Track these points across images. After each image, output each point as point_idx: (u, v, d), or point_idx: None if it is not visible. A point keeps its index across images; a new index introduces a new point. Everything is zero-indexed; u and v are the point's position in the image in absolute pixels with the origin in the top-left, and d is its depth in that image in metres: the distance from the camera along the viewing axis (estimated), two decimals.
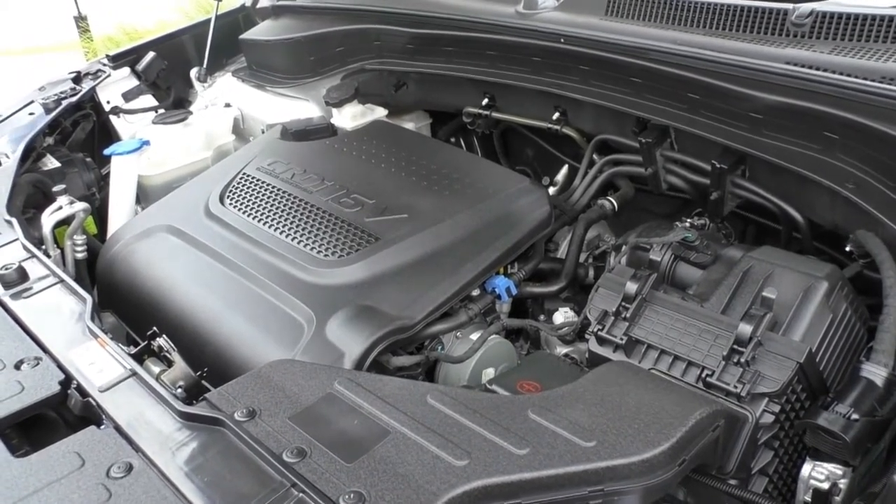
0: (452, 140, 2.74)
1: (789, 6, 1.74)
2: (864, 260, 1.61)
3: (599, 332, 1.50)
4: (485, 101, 2.37)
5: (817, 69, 1.59)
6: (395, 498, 1.06)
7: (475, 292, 1.79)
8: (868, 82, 1.51)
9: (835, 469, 1.29)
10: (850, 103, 1.52)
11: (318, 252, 1.78)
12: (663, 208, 2.25)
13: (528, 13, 2.12)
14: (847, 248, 1.63)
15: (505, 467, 1.11)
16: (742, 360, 1.34)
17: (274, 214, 1.94)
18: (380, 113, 2.57)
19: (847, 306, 1.46)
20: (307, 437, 1.18)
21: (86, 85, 2.63)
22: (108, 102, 2.71)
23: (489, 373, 1.73)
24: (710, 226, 1.88)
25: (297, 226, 1.88)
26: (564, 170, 2.40)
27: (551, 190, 2.32)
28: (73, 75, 2.69)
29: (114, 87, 2.75)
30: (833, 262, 1.60)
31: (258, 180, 2.10)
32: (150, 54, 2.80)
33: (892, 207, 1.48)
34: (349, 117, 2.52)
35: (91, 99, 2.65)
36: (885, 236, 1.51)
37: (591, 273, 2.01)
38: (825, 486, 1.29)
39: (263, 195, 2.03)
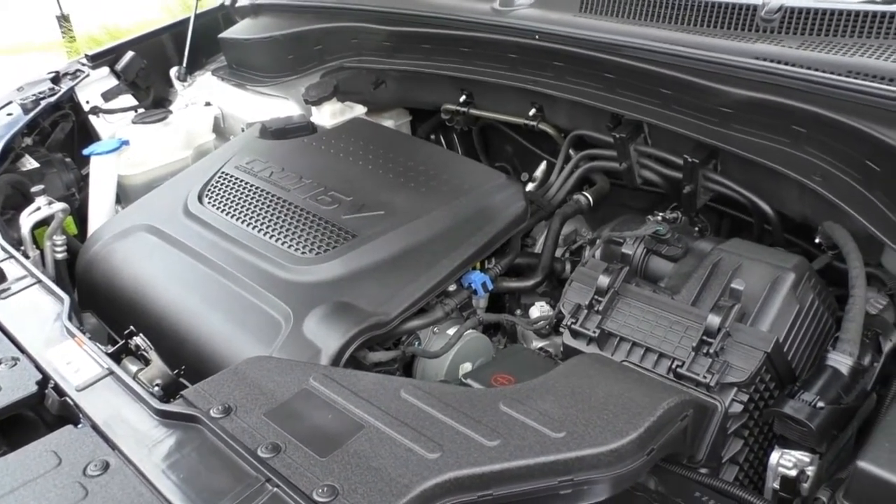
0: (432, 137, 2.76)
1: (759, 2, 1.76)
2: (832, 251, 1.64)
3: (573, 326, 1.51)
4: (462, 98, 2.39)
5: (786, 64, 1.62)
6: (367, 491, 1.07)
7: (452, 287, 1.80)
8: (834, 76, 1.54)
9: (802, 456, 1.32)
10: (816, 97, 1.55)
11: (296, 249, 1.79)
12: (640, 203, 2.27)
13: (504, 10, 2.13)
14: (816, 240, 1.66)
15: (476, 459, 1.13)
16: (711, 350, 1.36)
17: (252, 213, 1.95)
18: (359, 111, 2.58)
19: (814, 297, 1.49)
20: (282, 433, 1.19)
21: (65, 85, 2.63)
22: (88, 102, 2.70)
23: (466, 367, 1.75)
24: (682, 219, 1.90)
25: (275, 224, 1.89)
26: (543, 166, 2.42)
27: (530, 186, 2.34)
28: (51, 75, 2.68)
29: (93, 87, 2.74)
30: (805, 253, 1.63)
31: (237, 179, 2.11)
32: (130, 54, 2.80)
33: (858, 199, 1.51)
34: (328, 115, 2.53)
35: (70, 99, 2.65)
36: (852, 227, 1.54)
37: (568, 267, 2.03)
38: (793, 473, 1.32)
39: (242, 194, 2.04)
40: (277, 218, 1.91)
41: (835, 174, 1.56)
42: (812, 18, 1.69)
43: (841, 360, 1.36)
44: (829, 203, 1.56)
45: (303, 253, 1.78)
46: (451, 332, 1.74)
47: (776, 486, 1.35)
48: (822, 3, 1.70)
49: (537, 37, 2.01)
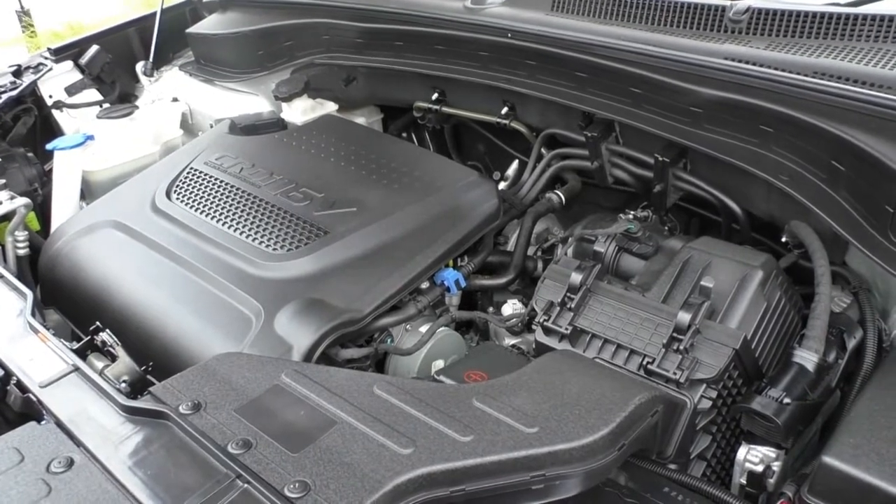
0: (404, 135, 2.75)
1: (727, 3, 1.78)
2: (798, 250, 1.67)
3: (545, 323, 1.52)
4: (434, 96, 2.39)
5: (753, 64, 1.64)
6: (339, 486, 1.07)
7: (424, 285, 1.80)
8: (801, 77, 1.56)
9: (768, 452, 1.34)
10: (783, 97, 1.57)
11: (267, 246, 1.78)
12: (611, 201, 2.29)
13: (476, 8, 2.13)
14: (783, 239, 1.69)
15: (449, 454, 1.13)
16: (681, 347, 1.37)
17: (222, 209, 1.93)
18: (330, 108, 2.56)
19: (781, 294, 1.51)
20: (253, 429, 1.18)
21: (27, 79, 2.58)
22: (51, 97, 2.66)
23: (439, 364, 1.74)
24: (652, 218, 1.92)
25: (246, 220, 1.87)
26: (515, 164, 2.43)
27: (502, 184, 2.35)
28: (13, 69, 2.63)
29: (56, 81, 2.69)
30: (771, 252, 1.65)
31: (206, 175, 2.08)
32: (94, 48, 2.76)
33: (823, 199, 1.54)
34: (299, 112, 2.51)
35: (32, 93, 2.60)
36: (817, 226, 1.57)
37: (540, 265, 2.03)
38: (759, 468, 1.34)
39: (211, 190, 2.01)
40: (248, 214, 1.89)
41: (801, 174, 1.59)
42: (779, 19, 1.72)
43: (807, 357, 1.39)
44: (795, 202, 1.58)
45: (274, 249, 1.76)
46: (424, 329, 1.74)
47: (743, 481, 1.37)
48: (789, 4, 1.72)
49: (510, 35, 2.01)
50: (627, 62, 1.80)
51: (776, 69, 1.60)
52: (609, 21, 1.93)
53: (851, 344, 1.51)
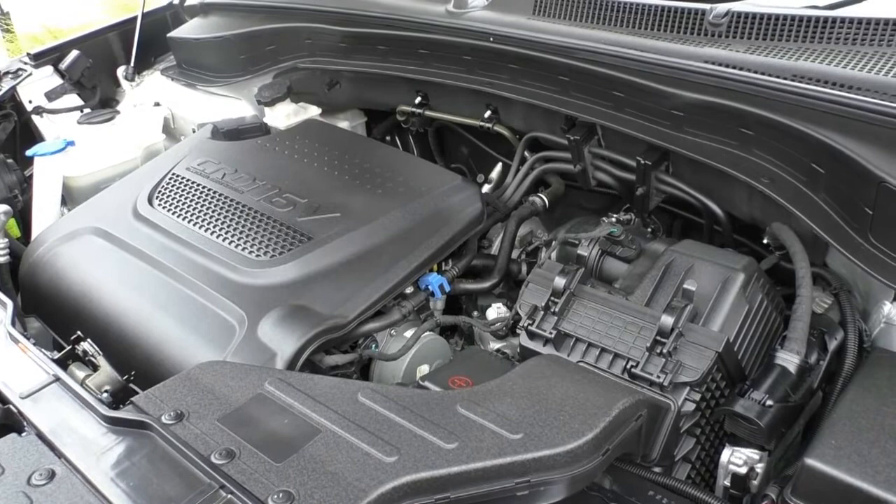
0: (388, 139, 2.75)
1: (707, 6, 1.79)
2: (779, 252, 1.68)
3: (529, 327, 1.52)
4: (418, 100, 2.38)
5: (734, 68, 1.64)
6: (324, 496, 1.06)
7: (409, 290, 1.80)
8: (780, 80, 1.57)
9: (752, 454, 1.35)
10: (763, 100, 1.58)
11: (250, 252, 1.77)
12: (594, 204, 2.30)
13: (458, 12, 2.13)
14: (764, 241, 1.70)
15: (434, 462, 1.13)
16: (664, 350, 1.38)
17: (204, 215, 1.92)
18: (313, 112, 2.56)
19: (763, 297, 1.52)
20: (236, 439, 1.17)
21: (6, 84, 2.56)
22: (31, 102, 2.63)
23: (424, 369, 1.74)
24: (635, 221, 1.92)
25: (229, 226, 1.86)
26: (498, 167, 2.43)
27: (486, 188, 2.35)
28: None
29: (36, 86, 2.67)
30: (752, 254, 1.66)
31: (188, 180, 2.07)
32: (74, 52, 2.74)
33: (804, 201, 1.55)
34: (282, 116, 2.51)
35: (12, 98, 2.58)
36: (798, 228, 1.58)
37: (524, 269, 2.04)
38: (743, 470, 1.35)
39: (193, 196, 2.00)
40: (231, 220, 1.88)
41: (782, 176, 1.60)
42: (758, 23, 1.72)
43: (789, 359, 1.40)
44: (776, 205, 1.60)
45: (257, 256, 1.75)
46: (409, 334, 1.74)
47: (727, 483, 1.38)
48: (768, 7, 1.73)
49: (491, 39, 2.02)
50: (609, 66, 1.81)
51: (756, 72, 1.60)
52: (590, 25, 1.94)
53: (833, 345, 1.52)
